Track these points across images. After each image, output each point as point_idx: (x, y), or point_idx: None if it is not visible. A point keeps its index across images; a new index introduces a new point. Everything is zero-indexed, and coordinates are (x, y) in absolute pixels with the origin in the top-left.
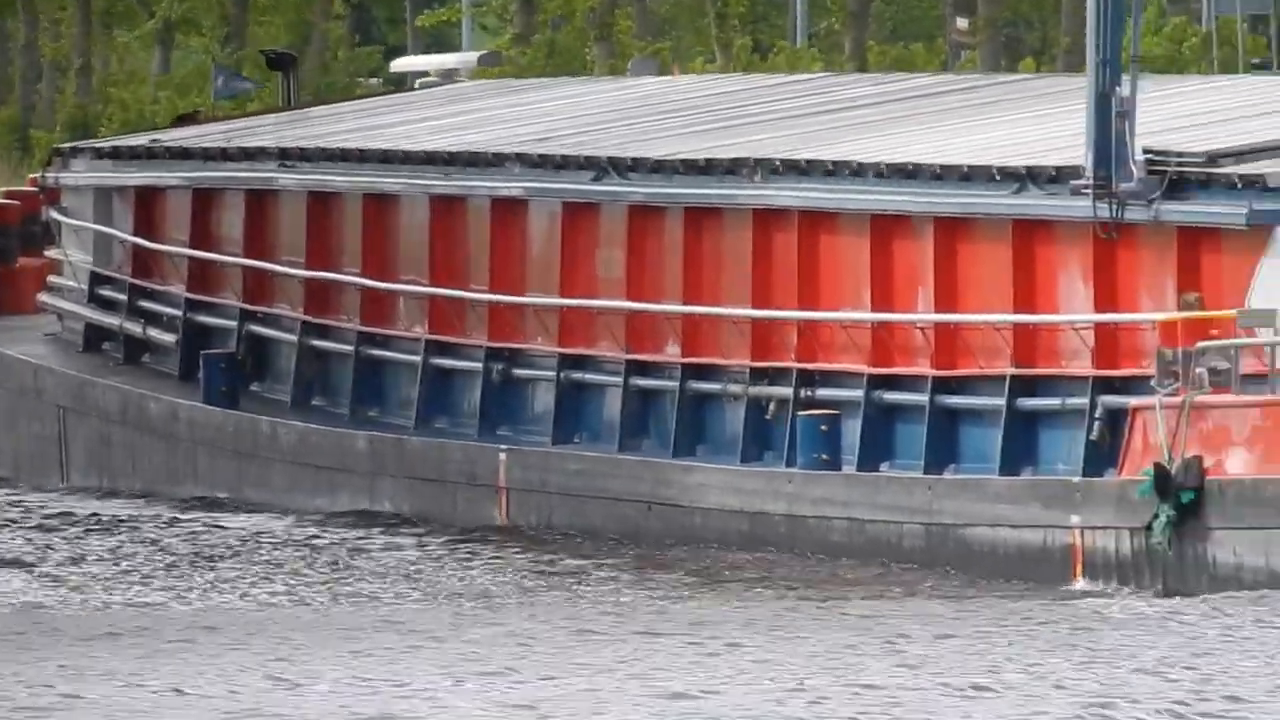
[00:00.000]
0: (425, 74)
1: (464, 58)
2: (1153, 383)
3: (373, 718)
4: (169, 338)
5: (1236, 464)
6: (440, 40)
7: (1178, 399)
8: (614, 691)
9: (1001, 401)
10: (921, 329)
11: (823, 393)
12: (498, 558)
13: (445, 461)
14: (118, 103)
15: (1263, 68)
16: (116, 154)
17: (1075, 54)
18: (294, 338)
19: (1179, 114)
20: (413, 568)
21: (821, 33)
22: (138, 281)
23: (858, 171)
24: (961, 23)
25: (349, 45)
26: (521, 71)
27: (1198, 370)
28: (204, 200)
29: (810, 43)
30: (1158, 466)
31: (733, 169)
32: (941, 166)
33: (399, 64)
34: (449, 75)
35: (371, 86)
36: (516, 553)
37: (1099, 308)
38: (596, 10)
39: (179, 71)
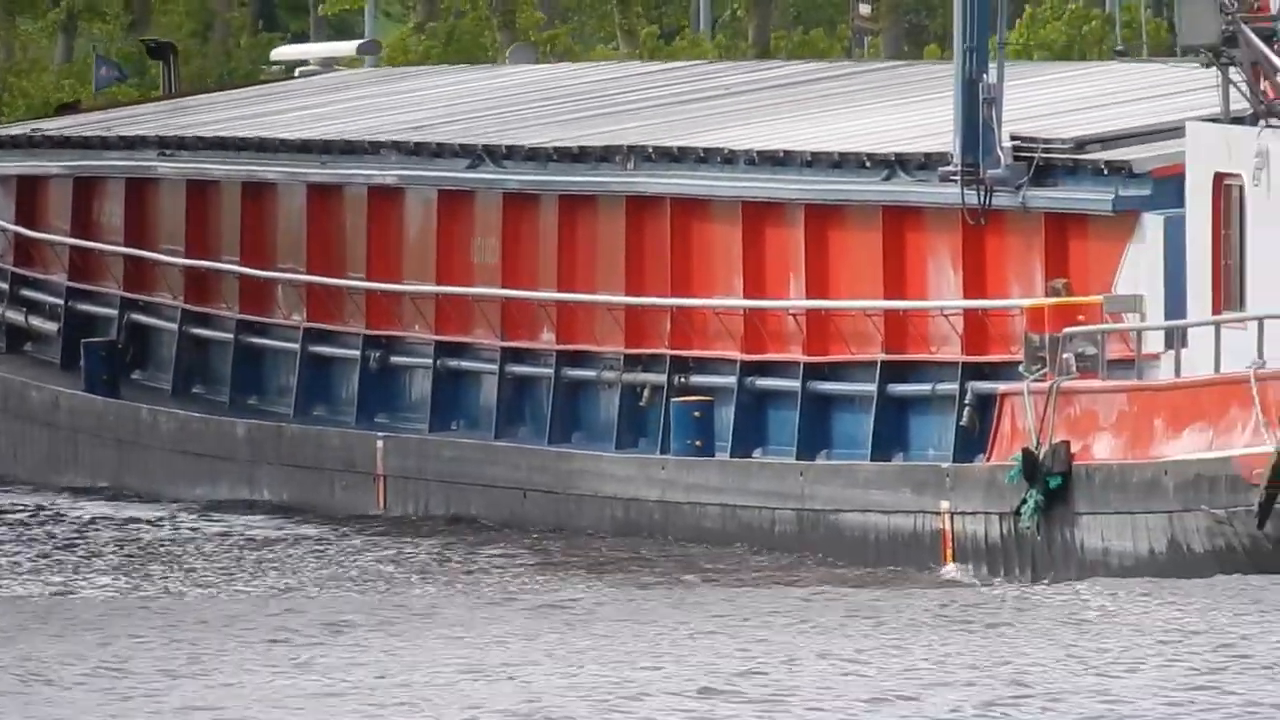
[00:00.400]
0: (305, 63)
1: (338, 47)
2: (1021, 368)
3: (178, 708)
4: (50, 326)
5: (1103, 449)
6: (343, 27)
7: (1045, 384)
8: (436, 676)
9: (873, 388)
10: (793, 315)
11: (696, 379)
12: (370, 544)
13: (323, 449)
14: (19, 92)
15: (1124, 54)
16: None
17: None
18: (174, 326)
19: (1047, 101)
20: (272, 555)
21: (726, 19)
22: (19, 270)
23: (729, 159)
24: (864, 9)
25: (251, 32)
26: (420, 59)
27: (1065, 356)
28: (84, 189)
29: (715, 29)
30: (1025, 452)
31: (606, 156)
32: (812, 154)
33: (279, 53)
34: (328, 64)
35: (274, 73)
36: (385, 539)
37: (968, 294)
38: None
39: (81, 60)
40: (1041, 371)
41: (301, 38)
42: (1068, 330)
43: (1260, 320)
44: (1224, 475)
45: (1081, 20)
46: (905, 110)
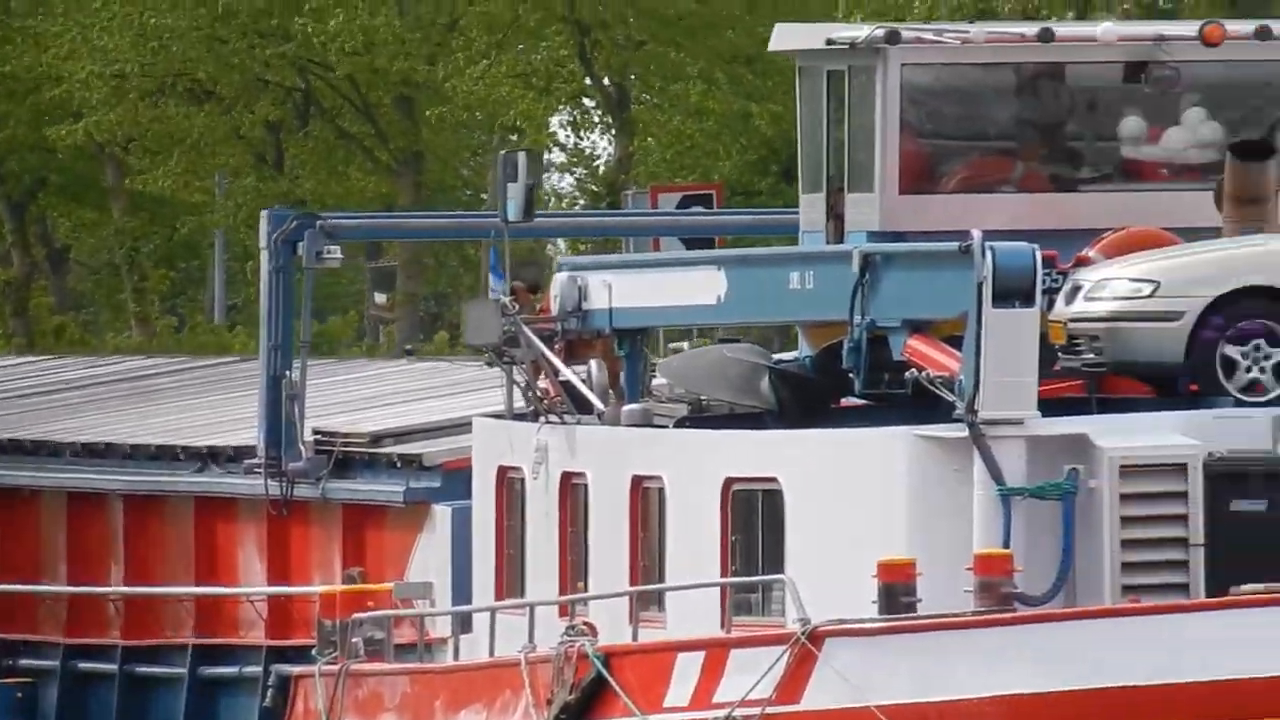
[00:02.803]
0: None
1: None
2: (314, 652)
3: None
4: None
5: None
6: None
7: (335, 667)
8: None
9: (184, 670)
10: (113, 601)
11: (24, 661)
12: None
13: None
14: None
15: (411, 353)
16: None
17: None
18: None
19: (347, 398)
20: None
21: (240, 305)
22: None
23: (55, 451)
24: (380, 298)
25: None
26: None
27: (354, 640)
28: None
29: (230, 316)
30: None
31: None
32: (132, 446)
33: None
34: None
35: None
36: None
37: (273, 580)
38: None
39: None
40: (333, 654)
41: None
42: (357, 615)
43: (531, 606)
44: None
45: None
46: (227, 404)
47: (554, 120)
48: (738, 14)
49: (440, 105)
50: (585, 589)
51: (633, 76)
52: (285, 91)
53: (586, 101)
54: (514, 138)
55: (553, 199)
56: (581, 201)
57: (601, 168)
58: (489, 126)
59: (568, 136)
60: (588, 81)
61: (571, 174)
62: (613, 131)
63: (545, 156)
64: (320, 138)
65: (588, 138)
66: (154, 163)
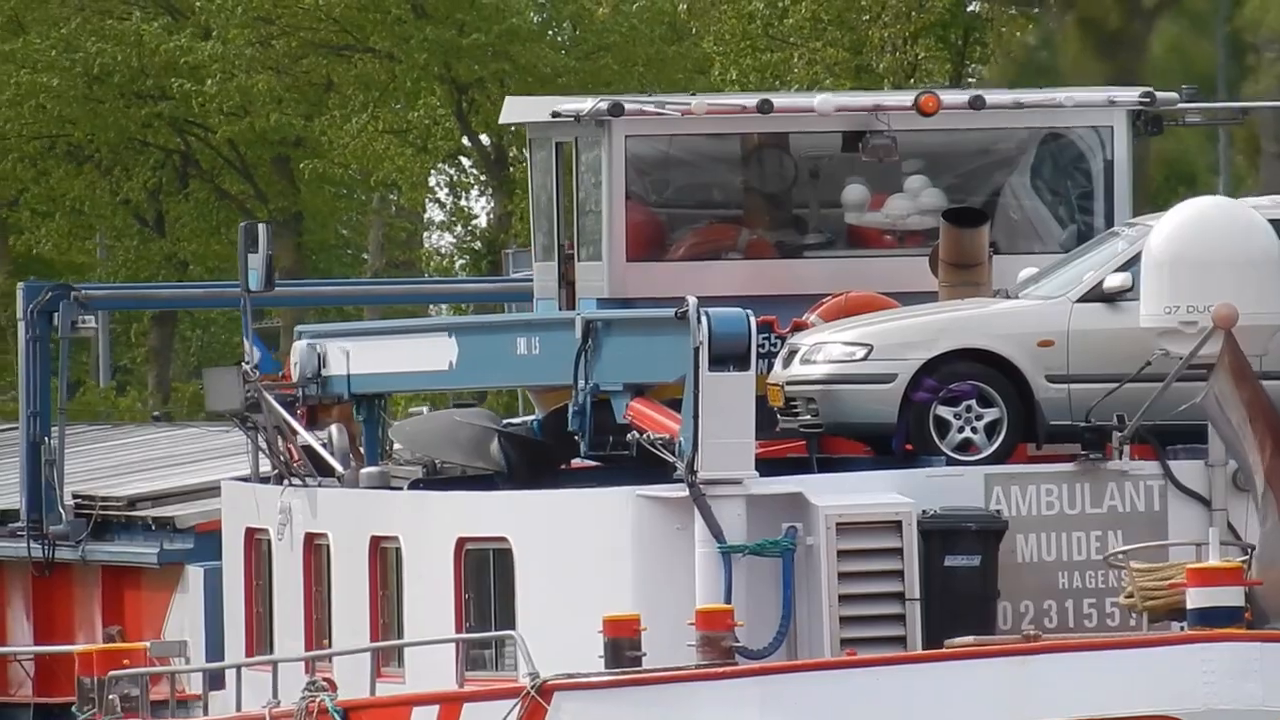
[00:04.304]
0: None
1: None
2: (73, 709)
3: None
4: None
5: None
6: None
7: None
8: None
9: None
10: None
11: None
12: None
13: None
14: None
15: (159, 418)
16: None
17: None
18: None
19: (107, 464)
20: None
21: (125, 365)
22: None
23: None
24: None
25: None
26: None
27: (111, 697)
28: None
29: (117, 377)
30: None
31: None
32: None
33: None
34: None
35: None
36: None
37: (39, 640)
38: None
39: None
40: (92, 712)
41: None
42: (113, 673)
43: (275, 663)
44: None
45: None
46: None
47: (432, 178)
48: (615, 70)
49: (316, 159)
50: (329, 646)
51: (510, 135)
52: (165, 154)
53: (464, 161)
54: (392, 195)
55: (434, 258)
56: (460, 261)
57: (481, 226)
58: (366, 184)
59: (447, 195)
60: (465, 141)
61: (451, 233)
62: (490, 190)
63: (425, 215)
64: (200, 199)
65: (465, 196)
66: (37, 223)
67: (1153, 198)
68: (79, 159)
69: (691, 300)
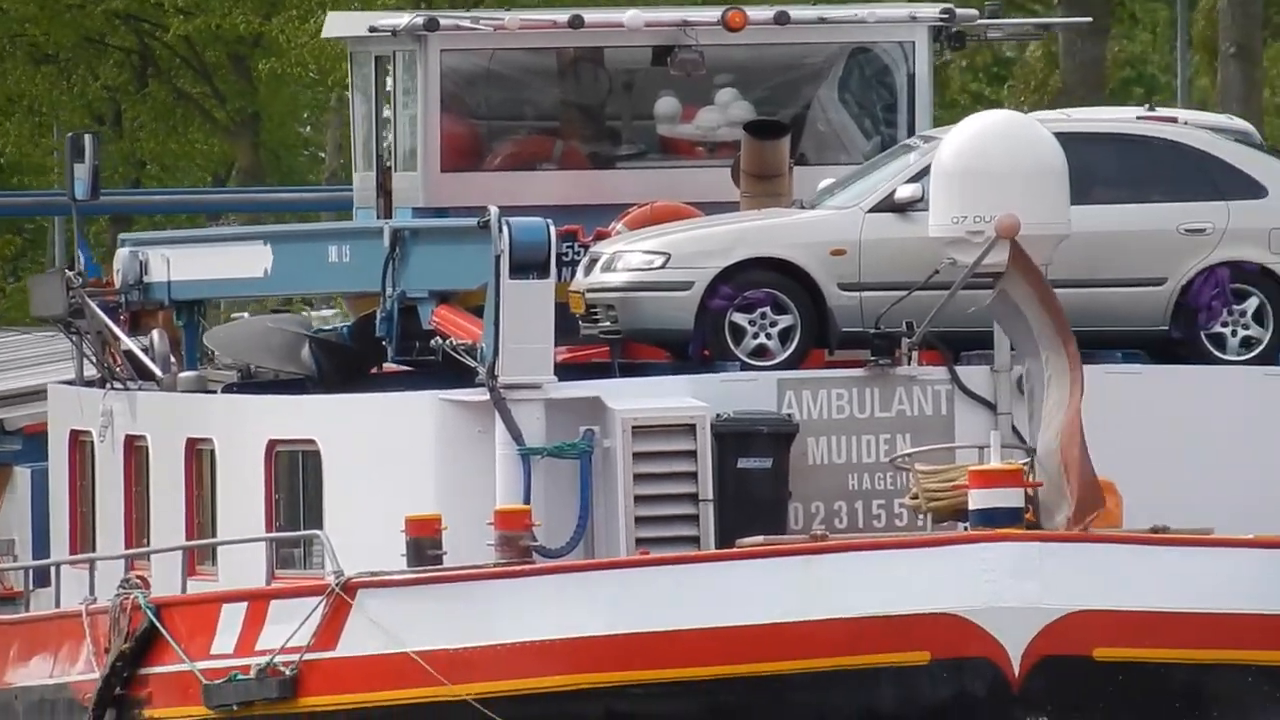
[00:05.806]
0: None
1: None
2: None
3: None
4: None
5: None
6: None
7: None
8: None
9: None
10: None
11: None
12: None
13: None
14: None
15: None
16: None
17: None
18: None
19: None
20: None
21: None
22: None
23: None
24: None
25: None
26: None
27: None
28: None
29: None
30: None
31: None
32: None
33: None
34: None
35: None
36: None
37: None
38: None
39: None
40: None
41: None
42: None
43: (92, 561)
44: (63, 699)
45: None
46: None
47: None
48: None
49: (274, 59)
50: (148, 545)
51: None
52: (124, 54)
53: None
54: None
55: None
56: None
57: None
58: (325, 83)
59: None
60: None
61: None
62: None
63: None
64: (158, 98)
65: None
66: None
67: (1110, 97)
68: (37, 59)
69: (493, 209)
